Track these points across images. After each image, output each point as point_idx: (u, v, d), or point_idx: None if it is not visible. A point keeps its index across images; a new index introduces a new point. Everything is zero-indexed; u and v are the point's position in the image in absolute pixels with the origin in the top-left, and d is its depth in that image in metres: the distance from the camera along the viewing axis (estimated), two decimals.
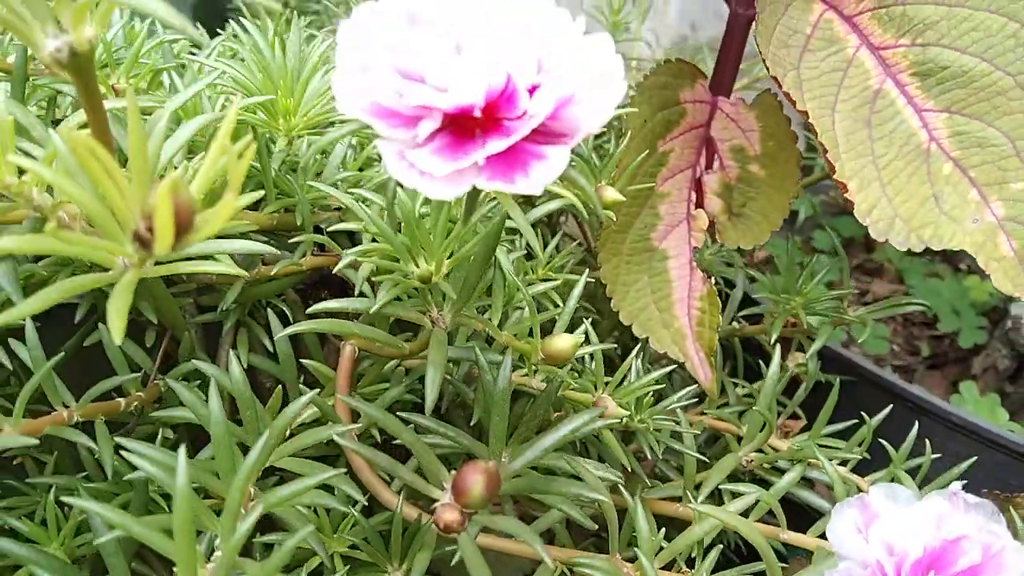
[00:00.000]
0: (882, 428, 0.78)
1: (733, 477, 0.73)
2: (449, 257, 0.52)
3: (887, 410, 0.79)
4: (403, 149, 0.36)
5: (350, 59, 0.37)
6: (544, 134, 0.37)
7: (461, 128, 0.37)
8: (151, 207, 0.32)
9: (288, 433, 0.64)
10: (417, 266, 0.49)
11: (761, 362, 0.96)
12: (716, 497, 0.71)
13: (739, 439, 0.79)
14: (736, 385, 0.91)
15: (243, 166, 0.31)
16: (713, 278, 0.77)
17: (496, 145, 0.35)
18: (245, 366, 0.68)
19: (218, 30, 0.91)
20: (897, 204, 0.67)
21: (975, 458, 0.69)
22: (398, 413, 0.54)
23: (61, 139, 0.32)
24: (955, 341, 1.26)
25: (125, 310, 0.35)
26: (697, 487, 0.70)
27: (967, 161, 0.67)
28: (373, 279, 0.61)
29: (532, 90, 0.36)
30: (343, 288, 0.70)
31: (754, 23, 0.84)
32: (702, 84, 0.81)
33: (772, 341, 0.79)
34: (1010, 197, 0.65)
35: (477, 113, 0.35)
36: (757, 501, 0.64)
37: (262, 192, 0.64)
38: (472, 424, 0.64)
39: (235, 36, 1.00)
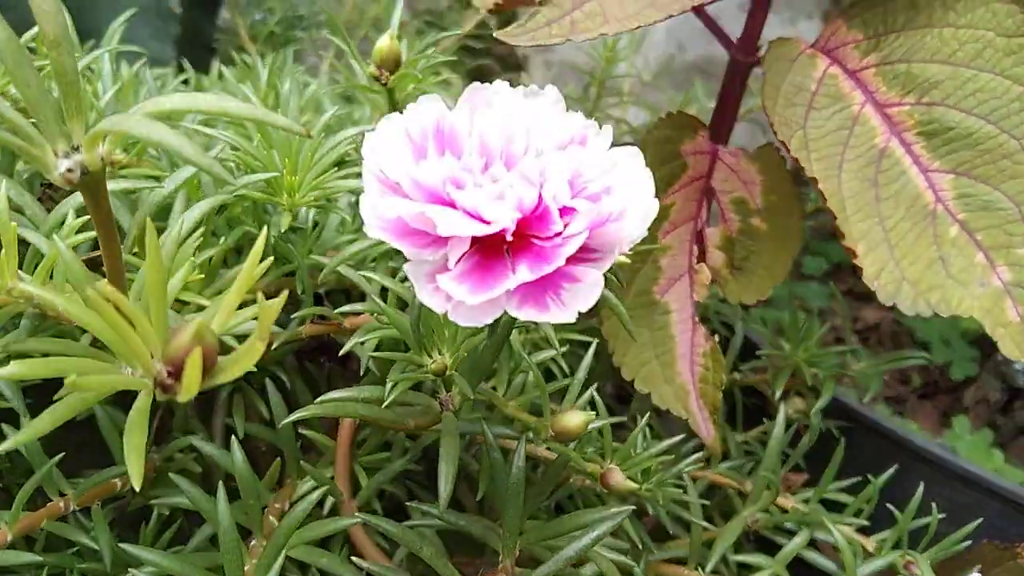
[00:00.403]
0: (879, 473, 0.78)
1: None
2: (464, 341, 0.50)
3: (877, 455, 0.79)
4: (432, 272, 0.35)
5: (375, 176, 0.36)
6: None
7: (490, 247, 0.35)
8: (173, 351, 0.31)
9: (288, 505, 0.63)
10: (431, 357, 0.48)
11: (759, 403, 0.96)
12: (723, 560, 0.71)
13: (739, 492, 0.78)
14: (734, 429, 0.90)
15: (273, 314, 0.30)
16: (716, 335, 0.77)
17: (527, 274, 0.34)
18: (241, 436, 0.67)
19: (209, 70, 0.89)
20: (904, 267, 0.67)
21: (980, 519, 0.69)
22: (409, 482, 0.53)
23: (96, 293, 0.31)
24: (946, 371, 1.26)
25: (143, 447, 0.34)
26: (706, 544, 0.70)
27: (974, 224, 0.66)
28: (379, 351, 0.60)
29: (563, 210, 0.35)
30: (343, 356, 0.68)
31: (755, 70, 0.83)
32: (703, 135, 0.81)
33: (776, 397, 0.78)
34: (1016, 262, 0.65)
35: (509, 237, 0.34)
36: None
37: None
38: (479, 499, 0.62)
39: (221, 77, 0.98)
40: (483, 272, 0.35)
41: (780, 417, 0.71)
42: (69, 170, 0.34)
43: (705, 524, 0.67)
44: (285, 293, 0.31)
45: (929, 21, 0.71)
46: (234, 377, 0.31)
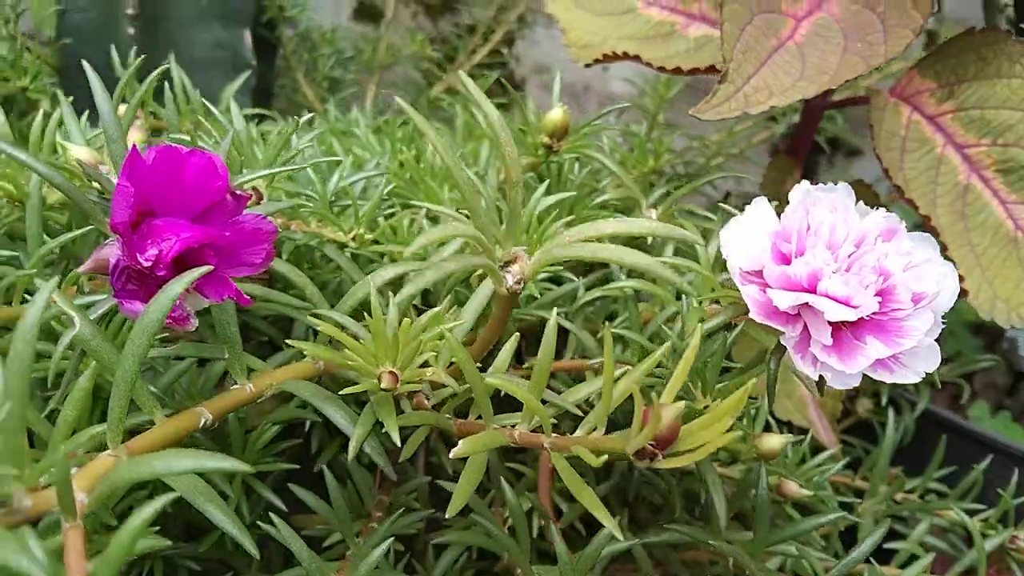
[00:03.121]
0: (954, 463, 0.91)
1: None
2: None
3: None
4: (796, 344, 0.44)
5: (736, 269, 0.44)
6: None
7: (835, 324, 0.44)
8: (659, 429, 0.38)
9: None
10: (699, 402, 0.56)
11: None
12: None
13: (846, 487, 0.89)
14: None
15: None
16: None
17: (883, 348, 0.43)
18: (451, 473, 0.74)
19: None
20: (996, 287, 0.79)
21: None
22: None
23: None
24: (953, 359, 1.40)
25: (599, 500, 0.41)
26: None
27: None
28: None
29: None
30: None
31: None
32: (798, 173, 0.91)
33: (883, 403, 0.90)
34: None
35: (866, 317, 0.43)
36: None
37: None
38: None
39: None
40: (837, 344, 0.44)
41: (890, 423, 0.82)
42: (517, 282, 0.41)
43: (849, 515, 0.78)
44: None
45: (998, 73, 0.83)
46: (704, 442, 0.39)
